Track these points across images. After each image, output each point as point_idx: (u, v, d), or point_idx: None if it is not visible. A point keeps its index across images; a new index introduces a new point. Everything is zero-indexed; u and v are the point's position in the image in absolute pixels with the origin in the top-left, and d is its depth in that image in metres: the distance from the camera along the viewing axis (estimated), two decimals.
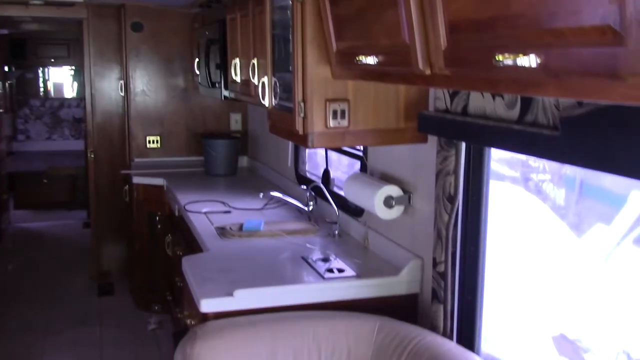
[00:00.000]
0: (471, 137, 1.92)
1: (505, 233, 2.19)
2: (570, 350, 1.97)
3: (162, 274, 4.35)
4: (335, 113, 2.23)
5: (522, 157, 2.08)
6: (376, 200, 2.44)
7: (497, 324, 2.21)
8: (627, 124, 1.30)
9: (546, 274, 2.06)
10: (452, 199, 2.10)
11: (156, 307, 4.57)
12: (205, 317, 2.23)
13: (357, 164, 3.04)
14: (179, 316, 3.17)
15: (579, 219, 1.97)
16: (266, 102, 2.65)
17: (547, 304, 2.05)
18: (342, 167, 3.49)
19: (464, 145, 2.07)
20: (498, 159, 2.15)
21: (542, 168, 2.05)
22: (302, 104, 2.24)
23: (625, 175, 1.37)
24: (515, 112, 1.73)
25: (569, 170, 1.94)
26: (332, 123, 2.23)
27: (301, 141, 2.31)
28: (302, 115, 2.24)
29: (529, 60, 1.11)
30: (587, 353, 1.92)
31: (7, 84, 8.05)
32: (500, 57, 1.17)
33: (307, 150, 3.82)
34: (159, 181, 4.44)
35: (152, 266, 4.56)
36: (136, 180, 4.58)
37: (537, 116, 1.64)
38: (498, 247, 2.16)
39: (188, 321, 2.54)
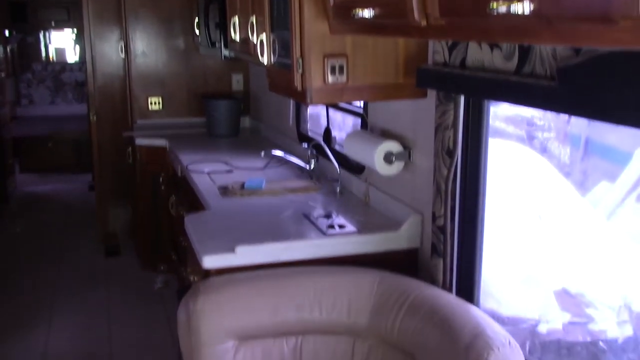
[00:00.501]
0: (469, 89, 1.91)
1: (508, 190, 2.19)
2: (572, 305, 1.99)
3: (167, 234, 4.39)
4: (333, 69, 2.22)
5: (527, 114, 2.06)
6: (376, 157, 2.44)
7: (500, 279, 2.23)
8: (622, 72, 1.29)
9: (549, 229, 2.06)
10: (451, 153, 2.09)
11: (162, 267, 4.62)
12: (208, 274, 2.25)
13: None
14: (184, 275, 3.20)
15: (584, 176, 1.97)
16: (265, 60, 2.63)
17: (550, 259, 2.06)
18: (347, 128, 3.48)
19: (462, 98, 2.06)
20: (503, 117, 2.14)
21: (547, 126, 2.04)
22: (300, 60, 2.22)
23: (621, 124, 1.37)
24: (513, 64, 1.71)
25: (574, 128, 1.93)
26: (330, 79, 2.22)
27: (300, 98, 2.30)
28: (300, 71, 2.23)
29: (523, 7, 1.10)
30: (589, 307, 1.94)
31: (8, 49, 8.01)
32: (494, 5, 1.15)
33: (308, 109, 3.81)
34: (161, 142, 4.45)
35: (157, 227, 4.60)
36: (139, 142, 4.59)
37: (535, 67, 1.63)
38: (502, 204, 2.16)
39: (191, 278, 2.58)
